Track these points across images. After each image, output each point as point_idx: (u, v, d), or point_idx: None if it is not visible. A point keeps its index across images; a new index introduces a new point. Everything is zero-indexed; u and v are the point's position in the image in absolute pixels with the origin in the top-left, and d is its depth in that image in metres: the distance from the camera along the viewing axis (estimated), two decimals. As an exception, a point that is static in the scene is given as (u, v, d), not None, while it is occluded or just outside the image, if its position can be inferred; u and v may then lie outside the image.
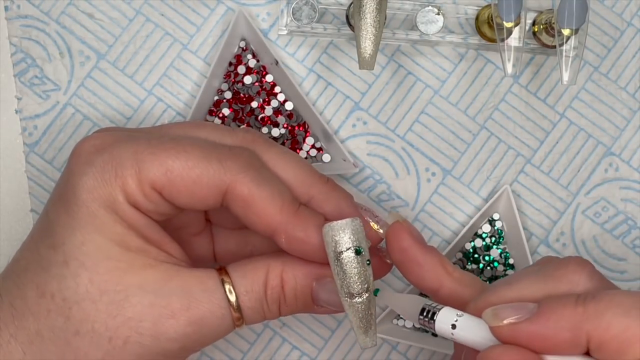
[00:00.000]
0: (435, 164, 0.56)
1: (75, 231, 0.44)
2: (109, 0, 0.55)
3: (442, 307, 0.43)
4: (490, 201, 0.54)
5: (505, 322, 0.41)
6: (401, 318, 0.55)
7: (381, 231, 0.46)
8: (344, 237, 0.44)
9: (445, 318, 0.43)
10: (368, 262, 0.44)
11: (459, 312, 0.43)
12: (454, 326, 0.42)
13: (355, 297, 0.44)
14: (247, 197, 0.44)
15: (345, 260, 0.44)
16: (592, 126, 0.56)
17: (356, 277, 0.44)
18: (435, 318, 0.43)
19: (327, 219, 0.45)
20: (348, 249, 0.44)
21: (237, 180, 0.44)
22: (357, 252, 0.44)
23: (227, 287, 0.45)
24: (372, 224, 0.46)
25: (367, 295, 0.44)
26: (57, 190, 0.46)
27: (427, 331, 0.55)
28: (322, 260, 0.45)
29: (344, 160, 0.55)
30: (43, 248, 0.44)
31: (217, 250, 0.50)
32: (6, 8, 0.55)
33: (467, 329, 0.42)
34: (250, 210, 0.44)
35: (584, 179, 0.56)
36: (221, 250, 0.50)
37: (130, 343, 0.43)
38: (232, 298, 0.45)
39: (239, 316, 0.45)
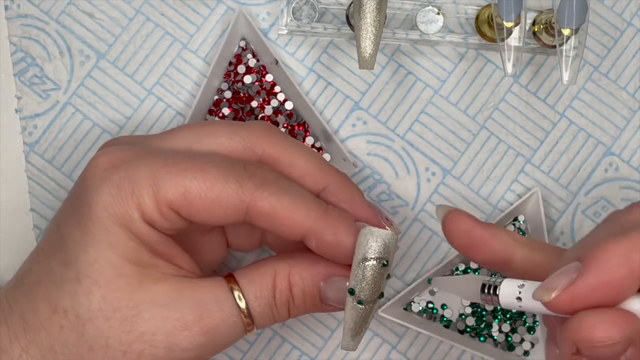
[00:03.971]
0: (435, 164, 0.56)
1: (88, 248, 0.44)
2: (108, 0, 0.55)
3: (502, 280, 0.42)
4: (518, 202, 0.54)
5: (555, 292, 0.39)
6: (413, 303, 0.55)
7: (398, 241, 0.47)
8: (379, 245, 0.44)
9: (508, 290, 0.42)
10: (388, 276, 0.45)
11: (520, 282, 0.42)
12: (519, 299, 0.42)
13: (363, 303, 0.45)
14: (269, 211, 0.44)
15: (369, 267, 0.44)
16: (592, 126, 0.56)
17: (372, 286, 0.45)
18: (498, 292, 0.42)
19: (356, 219, 0.46)
20: (377, 258, 0.44)
21: (257, 197, 0.44)
22: (384, 264, 0.45)
23: (237, 294, 0.45)
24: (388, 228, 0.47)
25: (372, 304, 0.45)
26: (70, 204, 0.46)
27: (434, 319, 0.55)
28: (350, 261, 0.45)
29: (344, 160, 0.55)
30: (55, 263, 0.44)
31: (230, 239, 0.51)
32: (6, 7, 0.55)
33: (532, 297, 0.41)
34: (276, 222, 0.44)
35: (584, 179, 0.56)
36: (234, 239, 0.51)
37: (144, 356, 0.44)
38: (242, 305, 0.45)
39: (249, 322, 0.45)
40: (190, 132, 0.47)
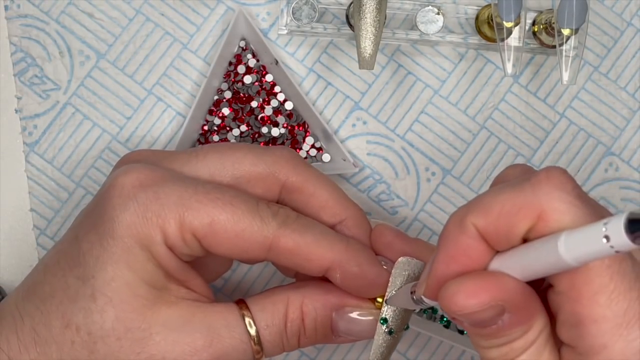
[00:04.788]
0: (435, 164, 0.56)
1: (106, 265, 0.43)
2: (108, 0, 0.55)
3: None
4: None
5: (421, 283, 0.40)
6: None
7: None
8: (414, 275, 0.45)
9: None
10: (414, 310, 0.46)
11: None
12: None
13: (393, 332, 0.45)
14: (293, 248, 0.44)
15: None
16: (592, 126, 0.56)
17: (405, 317, 0.45)
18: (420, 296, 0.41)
19: (375, 252, 0.47)
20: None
21: (280, 234, 0.44)
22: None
23: (248, 320, 0.45)
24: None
25: (399, 335, 0.46)
26: (91, 219, 0.45)
27: (434, 319, 0.55)
28: (373, 295, 0.46)
29: (344, 160, 0.55)
30: (71, 277, 0.44)
31: None
32: (6, 7, 0.55)
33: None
34: (300, 258, 0.45)
35: (584, 179, 0.56)
36: None
37: None
38: (253, 332, 0.45)
39: (259, 349, 0.45)
40: (215, 157, 0.47)
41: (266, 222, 0.44)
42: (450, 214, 0.55)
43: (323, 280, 0.46)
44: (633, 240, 0.30)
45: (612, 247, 0.31)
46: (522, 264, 0.36)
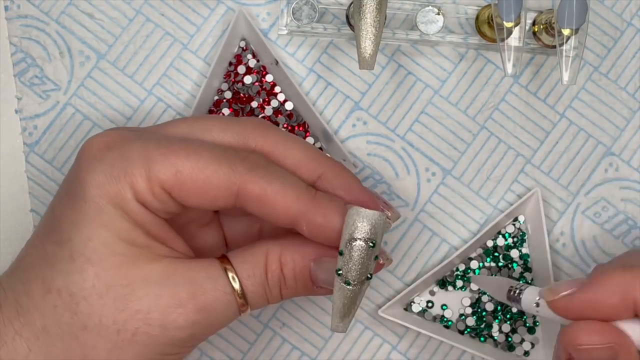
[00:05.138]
0: (435, 164, 0.56)
1: (81, 227, 0.44)
2: (109, 0, 0.55)
3: (527, 287, 0.48)
4: (518, 202, 0.54)
5: (557, 296, 0.45)
6: (413, 303, 0.55)
7: (391, 222, 0.47)
8: (365, 226, 0.44)
9: (529, 296, 0.47)
10: (375, 257, 0.45)
11: (540, 290, 0.47)
12: (537, 304, 0.46)
13: (350, 283, 0.45)
14: (260, 194, 0.45)
15: (357, 248, 0.44)
16: (592, 126, 0.56)
17: (359, 267, 0.45)
18: (521, 296, 0.47)
19: (346, 202, 0.46)
20: (364, 239, 0.44)
21: (247, 180, 0.44)
22: (371, 245, 0.44)
23: (230, 274, 0.45)
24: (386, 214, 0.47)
25: (360, 286, 0.45)
26: (63, 187, 0.46)
27: (434, 319, 0.55)
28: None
29: (344, 160, 0.55)
30: (49, 244, 0.44)
31: (228, 236, 0.51)
32: (6, 8, 0.55)
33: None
34: (266, 206, 0.45)
35: (584, 179, 0.56)
36: (232, 236, 0.51)
37: (138, 334, 0.44)
38: (236, 285, 0.45)
39: (243, 302, 0.45)
40: (184, 124, 0.47)
41: (233, 167, 0.44)
42: (450, 214, 0.55)
43: (302, 234, 0.46)
44: None
45: None
46: None
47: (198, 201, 0.45)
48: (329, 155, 0.50)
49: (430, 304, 0.55)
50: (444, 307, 0.55)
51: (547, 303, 0.46)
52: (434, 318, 0.55)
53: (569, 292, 0.45)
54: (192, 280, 0.45)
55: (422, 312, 0.55)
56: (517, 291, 0.48)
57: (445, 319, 0.55)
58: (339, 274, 0.45)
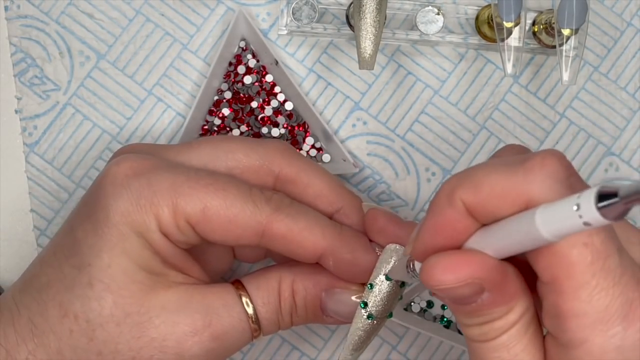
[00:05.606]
0: (435, 164, 0.56)
1: (102, 253, 0.44)
2: (109, 0, 0.55)
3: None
4: None
5: (410, 240, 0.41)
6: (413, 303, 0.55)
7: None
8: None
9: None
10: (400, 297, 0.46)
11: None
12: (413, 268, 0.41)
13: (372, 318, 0.45)
14: (286, 233, 0.45)
15: (389, 284, 0.45)
16: (592, 126, 0.56)
17: (387, 303, 0.45)
18: (415, 267, 0.41)
19: (370, 240, 0.46)
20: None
21: (273, 219, 0.44)
22: (403, 284, 0.45)
23: (245, 300, 0.45)
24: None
25: (380, 322, 0.46)
26: (85, 208, 0.45)
27: (435, 319, 0.55)
28: (365, 280, 0.46)
29: (344, 160, 0.55)
30: (67, 267, 0.44)
31: (237, 251, 0.51)
32: (6, 8, 0.55)
33: None
34: (292, 244, 0.45)
35: (584, 179, 0.56)
36: (240, 251, 0.51)
37: None
38: (250, 311, 0.45)
39: (256, 327, 0.46)
40: (208, 147, 0.47)
41: (259, 207, 0.44)
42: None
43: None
44: (603, 215, 0.30)
45: (585, 222, 0.30)
46: (501, 237, 0.36)
47: (222, 238, 0.45)
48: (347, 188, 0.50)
49: (430, 304, 0.55)
50: (444, 307, 0.55)
51: (411, 257, 0.40)
52: (434, 318, 0.55)
53: (413, 235, 0.40)
54: (208, 308, 0.45)
55: (422, 312, 0.55)
56: (412, 264, 0.42)
57: (445, 319, 0.55)
58: (363, 306, 0.45)
